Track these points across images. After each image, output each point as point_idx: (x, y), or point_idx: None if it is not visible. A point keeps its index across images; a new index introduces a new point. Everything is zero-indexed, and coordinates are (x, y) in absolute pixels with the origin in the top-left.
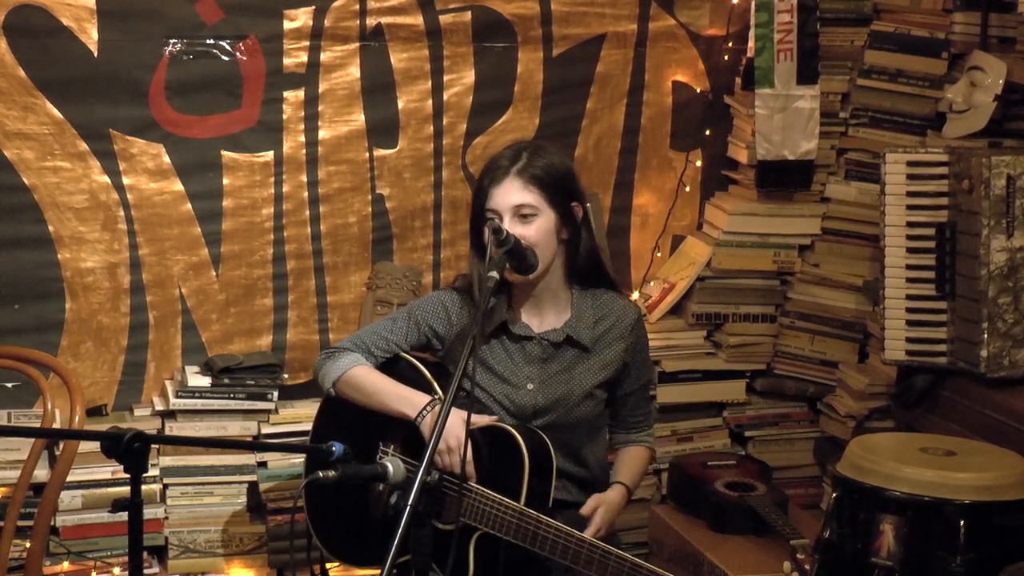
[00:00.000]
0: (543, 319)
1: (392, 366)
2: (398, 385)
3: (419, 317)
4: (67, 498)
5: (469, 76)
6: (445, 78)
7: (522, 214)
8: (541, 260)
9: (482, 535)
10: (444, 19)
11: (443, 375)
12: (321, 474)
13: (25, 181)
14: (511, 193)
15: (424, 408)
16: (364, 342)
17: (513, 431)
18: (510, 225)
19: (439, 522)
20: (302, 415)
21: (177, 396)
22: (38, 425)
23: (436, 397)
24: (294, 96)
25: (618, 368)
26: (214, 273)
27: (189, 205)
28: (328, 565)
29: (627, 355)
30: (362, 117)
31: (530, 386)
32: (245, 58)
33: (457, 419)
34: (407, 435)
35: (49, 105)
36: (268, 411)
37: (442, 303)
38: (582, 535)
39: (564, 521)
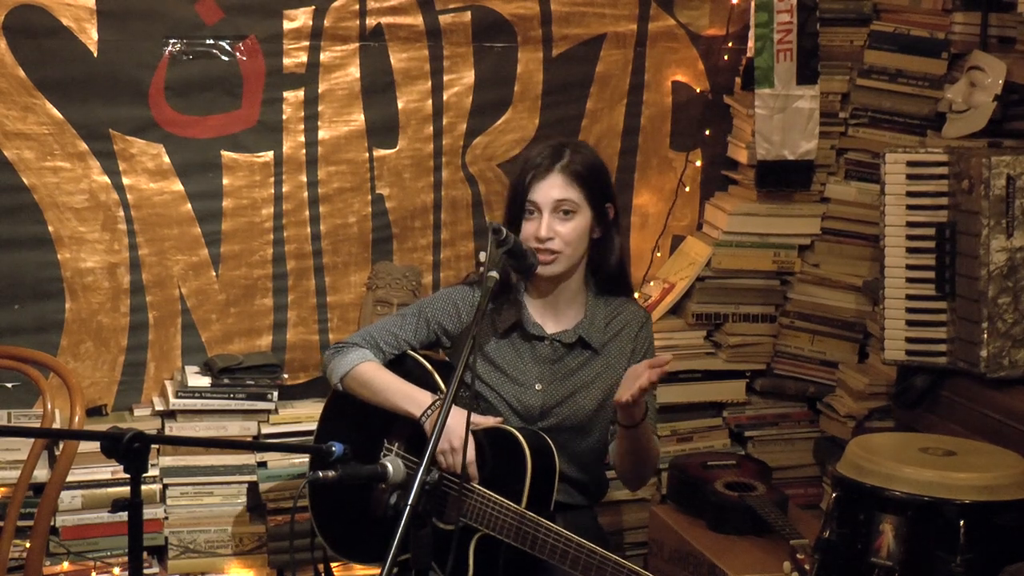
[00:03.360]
0: (557, 320)
1: (399, 364)
2: (405, 383)
3: (429, 314)
4: (67, 498)
5: (469, 76)
6: (445, 78)
7: (563, 210)
8: (570, 260)
9: (482, 536)
10: (444, 19)
11: (450, 374)
12: (321, 474)
13: (25, 181)
14: (554, 188)
15: (428, 407)
16: (373, 338)
17: (517, 434)
18: (549, 220)
19: (440, 522)
20: (302, 415)
21: (177, 396)
22: (38, 425)
23: (441, 396)
24: (294, 96)
25: (623, 370)
26: (214, 273)
27: (189, 205)
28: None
29: (633, 357)
30: (362, 117)
31: (538, 386)
32: (245, 58)
33: (460, 419)
34: (412, 433)
35: (49, 105)
36: (268, 411)
37: (452, 300)
38: (581, 540)
39: (564, 525)
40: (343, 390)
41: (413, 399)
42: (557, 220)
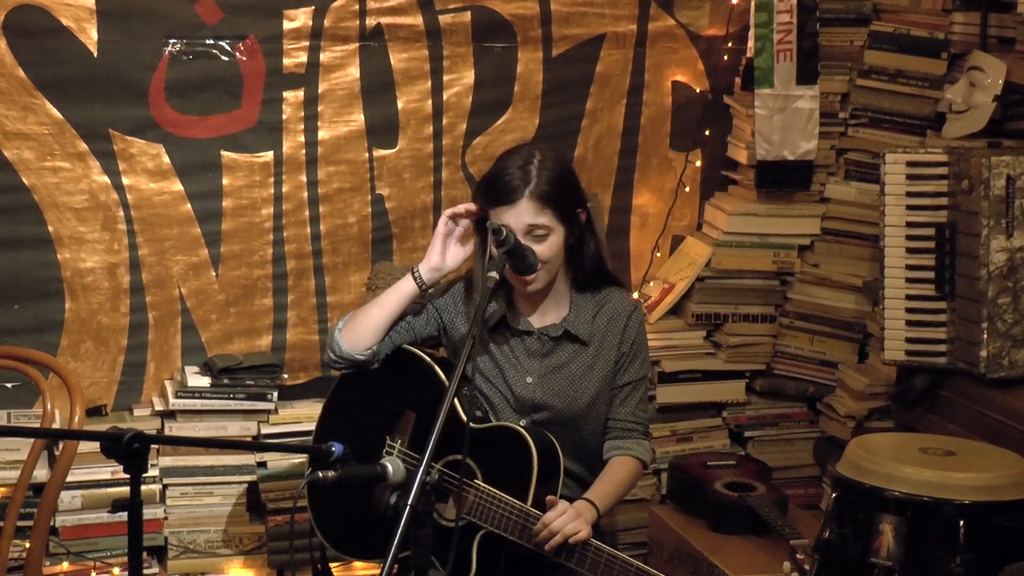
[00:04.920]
0: (543, 315)
1: (401, 361)
2: (384, 292)
3: (431, 301)
4: (67, 498)
5: (469, 76)
6: (445, 78)
7: (536, 234)
8: (549, 273)
9: (486, 534)
10: (444, 19)
11: (451, 369)
12: (320, 474)
13: (25, 181)
14: (525, 215)
15: (415, 278)
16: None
17: (523, 432)
18: (523, 241)
19: (443, 518)
20: (302, 415)
21: (177, 396)
22: (38, 425)
23: (416, 267)
24: (294, 96)
25: (614, 360)
26: (214, 273)
27: (189, 205)
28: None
29: (622, 346)
30: (362, 117)
31: (529, 379)
32: (245, 58)
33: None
34: (415, 429)
35: (49, 105)
36: (268, 411)
37: (451, 293)
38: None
39: None
40: (345, 346)
41: (398, 286)
42: (531, 241)
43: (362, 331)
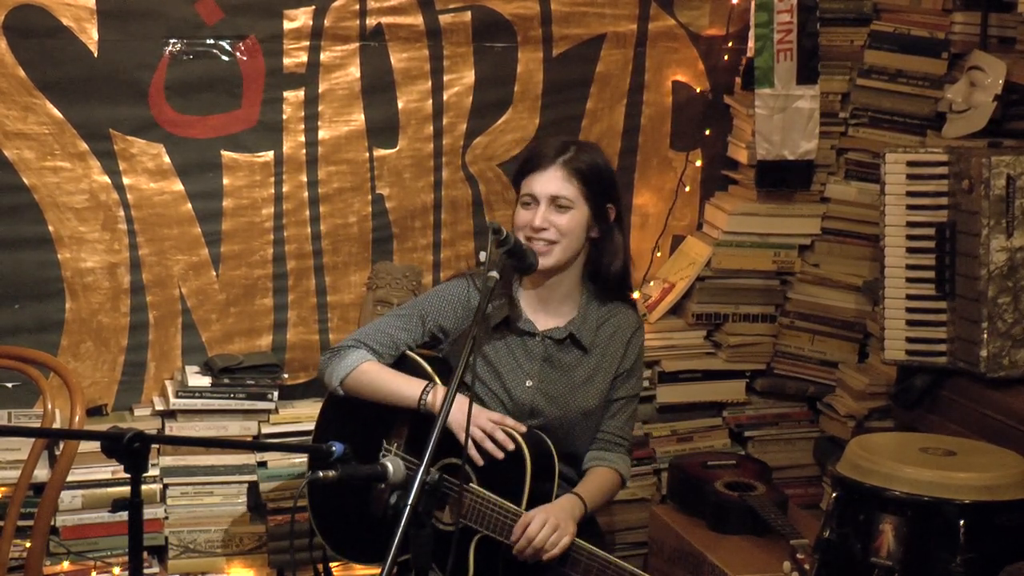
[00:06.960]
0: (548, 317)
1: (396, 364)
2: (400, 376)
3: (425, 314)
4: (67, 498)
5: (469, 76)
6: (445, 78)
7: (558, 204)
8: (565, 251)
9: (482, 537)
10: (444, 19)
11: (447, 372)
12: (321, 474)
13: (25, 181)
14: (552, 182)
15: (421, 395)
16: (369, 340)
17: (516, 435)
18: (545, 212)
19: (440, 523)
20: (302, 415)
21: (177, 396)
22: (38, 425)
23: (430, 382)
24: (294, 96)
25: (614, 374)
26: (214, 273)
27: (189, 205)
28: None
29: (623, 362)
30: (362, 117)
31: (528, 383)
32: (245, 58)
33: (475, 410)
34: (411, 433)
35: (49, 105)
36: (268, 411)
37: (448, 298)
38: (580, 542)
39: None
40: (343, 393)
41: (406, 393)
42: (553, 212)
43: (361, 394)
